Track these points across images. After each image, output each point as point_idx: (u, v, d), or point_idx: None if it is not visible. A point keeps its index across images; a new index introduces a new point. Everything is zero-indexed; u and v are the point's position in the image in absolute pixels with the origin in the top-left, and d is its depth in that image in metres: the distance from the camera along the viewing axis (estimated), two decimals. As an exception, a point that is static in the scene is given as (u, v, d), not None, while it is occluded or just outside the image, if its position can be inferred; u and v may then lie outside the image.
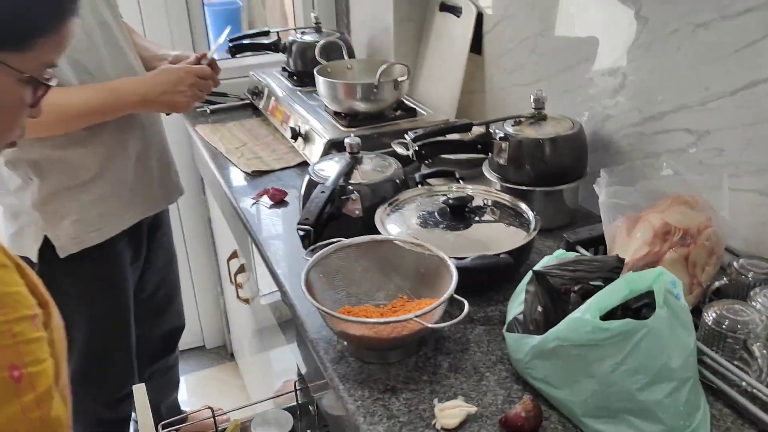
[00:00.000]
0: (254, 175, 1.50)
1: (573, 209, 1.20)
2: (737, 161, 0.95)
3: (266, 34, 1.93)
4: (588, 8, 1.20)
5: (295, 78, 1.81)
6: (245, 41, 1.90)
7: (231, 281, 1.69)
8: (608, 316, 0.75)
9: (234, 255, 1.69)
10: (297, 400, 1.30)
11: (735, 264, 0.91)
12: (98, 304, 1.45)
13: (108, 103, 1.26)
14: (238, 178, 1.50)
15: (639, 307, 0.76)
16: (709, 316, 0.82)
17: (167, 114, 1.49)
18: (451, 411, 0.78)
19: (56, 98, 1.01)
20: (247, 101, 1.93)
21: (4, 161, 1.29)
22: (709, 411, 0.77)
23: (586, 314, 0.75)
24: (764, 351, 0.78)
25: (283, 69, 1.89)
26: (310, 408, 1.28)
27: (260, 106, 1.83)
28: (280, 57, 1.91)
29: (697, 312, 0.84)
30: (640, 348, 0.72)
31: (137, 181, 1.42)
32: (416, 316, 0.81)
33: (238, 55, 1.91)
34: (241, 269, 1.64)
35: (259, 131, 1.75)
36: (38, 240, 1.32)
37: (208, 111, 1.90)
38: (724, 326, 0.81)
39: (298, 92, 1.73)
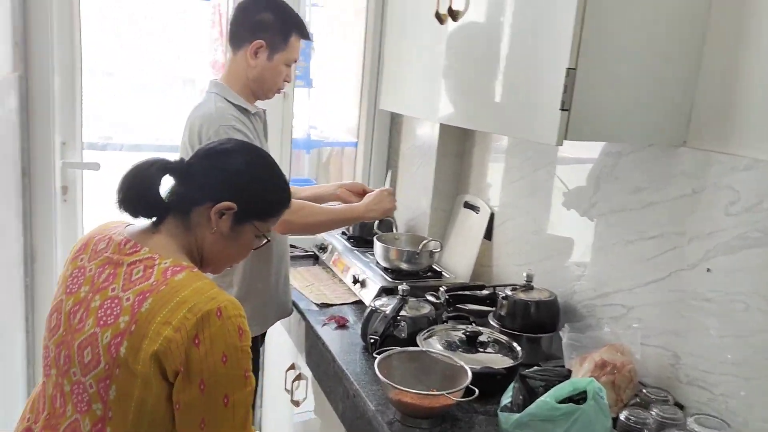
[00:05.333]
0: (321, 306, 2.07)
1: (547, 353, 1.75)
2: (649, 327, 1.53)
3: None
4: (562, 221, 1.84)
5: (352, 240, 2.45)
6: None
7: (285, 388, 2.19)
8: (560, 403, 1.28)
9: (291, 367, 2.21)
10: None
11: (644, 390, 1.45)
12: None
13: (345, 215, 1.93)
14: (310, 307, 2.07)
15: (578, 399, 1.30)
16: (624, 415, 1.35)
17: (380, 219, 2.14)
18: (463, 453, 1.29)
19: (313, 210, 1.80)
20: (311, 253, 2.56)
21: None
22: (618, 469, 1.27)
23: (547, 398, 1.28)
24: (653, 437, 1.31)
25: (343, 233, 2.53)
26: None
27: (324, 258, 2.44)
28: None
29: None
30: (577, 422, 1.25)
31: (280, 293, 1.96)
32: (448, 393, 1.35)
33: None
34: (298, 377, 2.15)
35: (322, 275, 2.35)
36: None
37: (281, 256, 2.51)
38: (631, 420, 1.34)
39: (355, 251, 2.35)
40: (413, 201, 2.53)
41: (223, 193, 1.17)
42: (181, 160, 1.20)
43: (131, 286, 1.08)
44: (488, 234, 2.19)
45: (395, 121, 2.70)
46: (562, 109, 1.30)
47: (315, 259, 2.54)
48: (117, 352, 1.05)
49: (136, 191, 1.13)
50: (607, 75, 1.30)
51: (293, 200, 1.76)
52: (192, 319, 1.04)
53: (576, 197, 1.79)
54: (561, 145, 1.31)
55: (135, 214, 1.15)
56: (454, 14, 1.66)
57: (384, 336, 1.61)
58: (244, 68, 1.82)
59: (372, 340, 1.59)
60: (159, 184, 1.16)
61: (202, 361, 1.05)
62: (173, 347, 1.03)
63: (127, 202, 1.13)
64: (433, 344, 1.64)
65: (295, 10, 1.87)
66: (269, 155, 1.32)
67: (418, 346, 1.62)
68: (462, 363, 1.48)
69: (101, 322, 1.07)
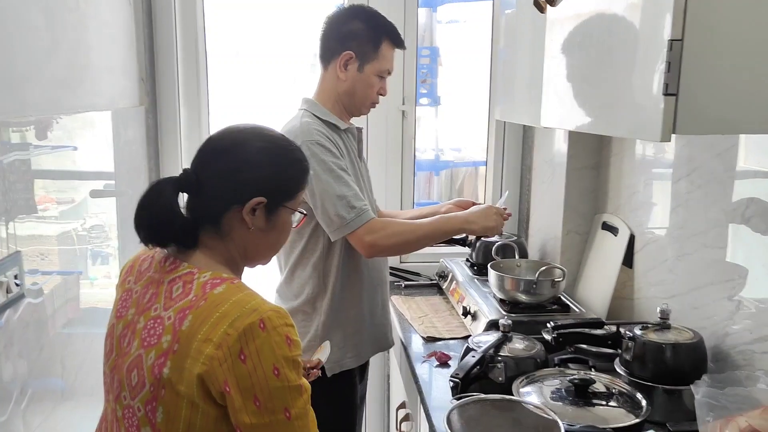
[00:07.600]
0: (428, 340, 1.87)
1: (690, 409, 1.37)
2: (824, 385, 1.11)
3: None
4: (710, 242, 1.45)
5: (475, 268, 2.21)
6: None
7: (396, 427, 2.00)
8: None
9: (402, 405, 2.02)
10: None
11: (816, 474, 1.04)
12: (342, 419, 1.79)
13: (440, 227, 1.71)
14: (416, 341, 1.88)
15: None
16: None
17: (479, 238, 1.90)
18: None
19: (400, 228, 1.63)
20: (434, 281, 2.36)
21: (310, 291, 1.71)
22: None
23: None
24: None
25: (467, 260, 2.30)
26: None
27: (444, 287, 2.24)
28: (465, 249, 2.32)
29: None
30: None
31: (376, 323, 1.81)
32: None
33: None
34: (406, 418, 1.96)
35: (440, 307, 2.15)
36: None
37: (403, 285, 2.35)
38: None
39: (476, 280, 2.11)
40: (545, 223, 2.23)
41: (246, 192, 1.09)
42: (187, 171, 1.11)
43: (172, 304, 1.03)
44: (629, 260, 1.83)
45: (527, 134, 2.43)
46: (666, 94, 0.99)
47: (439, 288, 2.34)
48: (161, 373, 0.99)
49: (159, 223, 1.07)
50: (727, 44, 0.97)
51: (375, 219, 1.62)
52: (234, 334, 0.96)
53: (724, 210, 1.40)
54: (668, 140, 1.01)
55: (165, 244, 1.09)
56: (551, -2, 1.40)
57: (469, 379, 1.37)
58: (335, 83, 1.72)
59: (452, 383, 1.35)
60: (178, 205, 1.09)
61: (252, 376, 0.97)
62: (215, 365, 0.96)
63: (154, 237, 1.07)
64: (534, 392, 1.37)
65: (387, 18, 1.73)
66: (272, 130, 1.19)
67: (513, 391, 1.36)
68: (556, 417, 1.19)
69: (145, 343, 1.03)
